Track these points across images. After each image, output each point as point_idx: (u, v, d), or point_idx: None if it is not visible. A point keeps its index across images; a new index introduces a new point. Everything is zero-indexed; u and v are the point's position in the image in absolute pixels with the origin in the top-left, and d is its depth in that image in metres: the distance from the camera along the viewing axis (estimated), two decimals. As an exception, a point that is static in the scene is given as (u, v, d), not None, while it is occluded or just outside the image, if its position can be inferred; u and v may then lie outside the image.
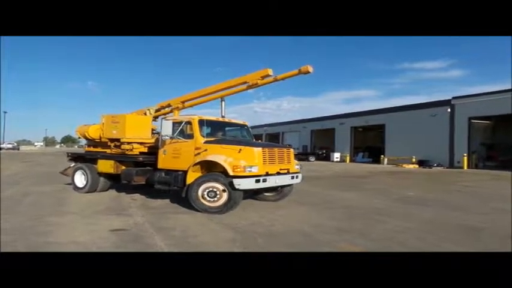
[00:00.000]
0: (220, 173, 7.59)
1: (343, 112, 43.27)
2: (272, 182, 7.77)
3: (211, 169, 7.92)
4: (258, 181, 7.42)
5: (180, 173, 8.21)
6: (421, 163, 28.84)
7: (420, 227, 6.60)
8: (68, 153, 11.89)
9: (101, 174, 10.12)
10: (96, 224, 6.35)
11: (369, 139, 41.81)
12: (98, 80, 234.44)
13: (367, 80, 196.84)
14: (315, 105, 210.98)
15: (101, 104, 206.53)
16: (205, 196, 7.53)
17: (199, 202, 7.54)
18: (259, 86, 9.36)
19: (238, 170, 7.35)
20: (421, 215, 7.72)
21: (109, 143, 10.01)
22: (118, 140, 9.70)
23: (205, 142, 8.11)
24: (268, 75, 9.03)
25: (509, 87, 25.06)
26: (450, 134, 28.31)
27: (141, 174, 9.13)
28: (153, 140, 10.06)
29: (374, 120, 36.60)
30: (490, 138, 29.28)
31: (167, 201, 9.02)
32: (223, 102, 9.95)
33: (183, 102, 10.60)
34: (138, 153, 9.77)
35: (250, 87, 9.45)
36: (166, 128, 8.34)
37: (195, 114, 8.70)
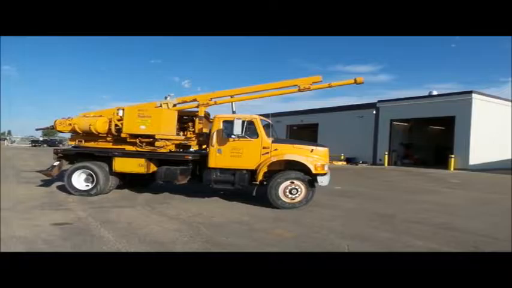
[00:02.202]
0: (298, 171, 8.13)
1: (279, 110, 44.44)
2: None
3: (279, 168, 8.38)
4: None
5: (245, 171, 8.36)
6: (349, 160, 31.23)
7: (344, 214, 7.63)
8: (57, 149, 10.07)
9: (116, 173, 9.16)
10: (36, 219, 6.25)
11: (304, 137, 43.78)
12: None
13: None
14: (250, 102, 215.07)
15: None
16: (287, 193, 7.99)
17: (281, 200, 7.99)
18: (310, 90, 9.56)
19: (319, 168, 7.97)
20: (345, 205, 8.80)
21: (129, 139, 9.05)
22: (148, 136, 8.91)
23: (273, 142, 8.44)
24: (319, 81, 9.36)
25: (426, 94, 28.83)
26: (374, 134, 31.07)
27: (184, 174, 8.69)
28: (182, 138, 9.50)
29: (308, 119, 38.44)
30: (408, 139, 32.63)
31: (105, 195, 9.08)
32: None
33: (212, 98, 9.83)
34: (168, 150, 9.17)
35: (300, 90, 9.47)
36: (238, 127, 8.02)
37: (252, 114, 8.71)
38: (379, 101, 31.48)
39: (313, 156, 8.29)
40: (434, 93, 29.17)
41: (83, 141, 9.59)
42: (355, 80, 9.40)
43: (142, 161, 8.82)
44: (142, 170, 8.83)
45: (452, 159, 24.04)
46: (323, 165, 8.08)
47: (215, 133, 8.53)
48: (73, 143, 9.84)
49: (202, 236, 5.54)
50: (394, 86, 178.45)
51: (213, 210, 7.61)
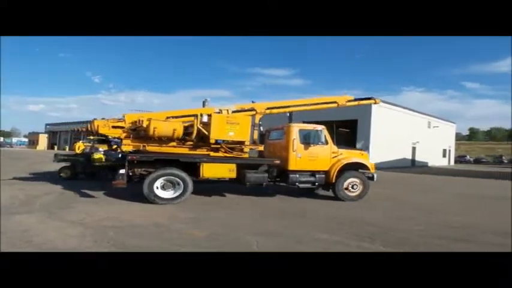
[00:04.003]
0: (355, 170, 10.08)
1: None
2: None
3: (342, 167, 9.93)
4: None
5: (322, 172, 9.86)
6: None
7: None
8: (132, 155, 8.67)
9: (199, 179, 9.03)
10: None
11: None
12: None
13: (222, 80, 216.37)
14: (172, 102, 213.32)
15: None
16: (349, 188, 9.88)
17: (345, 193, 9.88)
18: (345, 106, 12.03)
19: (373, 168, 10.35)
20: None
21: (214, 145, 9.17)
22: (237, 142, 9.29)
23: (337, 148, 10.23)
24: (351, 100, 11.77)
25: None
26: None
27: (268, 177, 9.53)
28: (260, 145, 10.40)
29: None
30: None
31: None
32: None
33: (268, 108, 10.82)
34: (248, 156, 9.76)
35: (338, 106, 11.77)
36: (315, 136, 9.90)
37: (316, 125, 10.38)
38: None
39: (366, 158, 10.63)
40: None
41: (146, 146, 9.19)
42: (375, 100, 12.42)
43: (232, 166, 9.09)
44: (232, 175, 9.11)
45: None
46: (373, 166, 10.35)
47: (294, 140, 9.76)
48: (129, 148, 9.22)
49: (109, 240, 5.13)
50: (307, 90, 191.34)
51: (124, 213, 7.14)
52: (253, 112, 10.30)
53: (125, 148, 9.28)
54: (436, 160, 42.70)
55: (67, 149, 54.08)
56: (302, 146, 9.75)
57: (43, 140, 75.13)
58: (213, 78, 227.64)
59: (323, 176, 9.84)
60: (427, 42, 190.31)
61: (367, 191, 10.07)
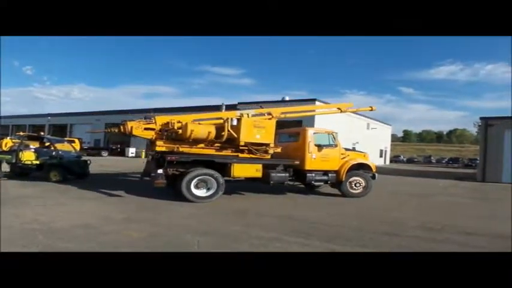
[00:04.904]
0: (360, 170, 11.20)
1: (143, 107, 42.20)
2: None
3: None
4: None
5: (333, 172, 10.83)
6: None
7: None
8: (171, 157, 9.04)
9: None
10: None
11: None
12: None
13: (167, 77, 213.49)
14: (112, 97, 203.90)
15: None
16: (353, 186, 10.95)
17: (349, 191, 10.95)
18: (346, 112, 13.52)
19: (375, 168, 11.55)
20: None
21: (242, 147, 9.82)
22: (263, 144, 9.97)
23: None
24: (352, 106, 13.44)
25: (280, 99, 33.49)
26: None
27: (289, 176, 10.41)
28: (279, 148, 10.64)
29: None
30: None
31: None
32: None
33: (283, 113, 11.66)
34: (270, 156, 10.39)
35: (341, 111, 13.01)
36: (327, 138, 10.97)
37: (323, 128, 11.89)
38: (239, 103, 33.08)
39: (369, 159, 11.86)
40: (287, 98, 33.57)
41: (179, 147, 9.54)
42: (371, 107, 13.70)
43: (259, 166, 9.82)
44: (258, 174, 9.82)
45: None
46: (375, 166, 11.66)
47: (310, 143, 10.69)
48: (162, 149, 9.57)
49: (39, 244, 4.80)
50: (255, 90, 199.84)
51: (58, 215, 6.79)
52: (270, 116, 10.95)
53: (158, 149, 9.63)
54: (374, 160, 45.02)
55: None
56: (316, 148, 10.69)
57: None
58: (157, 74, 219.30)
59: (334, 175, 10.83)
60: (368, 46, 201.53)
61: (370, 189, 11.10)
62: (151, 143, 10.16)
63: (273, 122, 10.46)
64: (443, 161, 67.48)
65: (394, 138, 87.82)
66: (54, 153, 12.85)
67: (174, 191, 9.33)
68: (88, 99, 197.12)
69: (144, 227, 6.10)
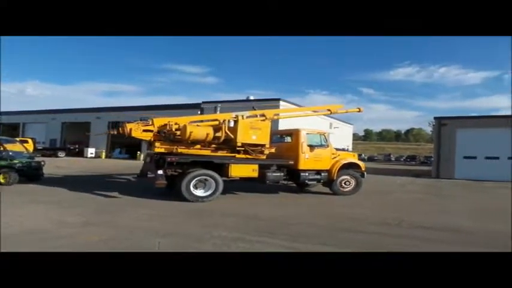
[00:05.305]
0: (350, 169, 11.60)
1: (102, 105, 41.86)
2: None
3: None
4: None
5: (325, 171, 11.17)
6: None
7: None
8: (171, 157, 9.24)
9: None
10: None
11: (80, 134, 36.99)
12: None
13: (128, 74, 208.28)
14: (69, 95, 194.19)
15: None
16: (343, 184, 11.38)
17: (339, 189, 11.39)
18: (337, 113, 14.17)
19: (364, 167, 12.05)
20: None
21: (238, 148, 9.98)
22: (259, 145, 10.17)
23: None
24: (342, 107, 13.84)
25: (245, 98, 33.85)
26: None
27: (283, 175, 10.66)
28: (273, 148, 10.74)
29: (138, 116, 36.11)
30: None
31: None
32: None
33: (276, 114, 12.02)
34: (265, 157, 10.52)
35: (331, 113, 13.59)
36: (319, 139, 11.33)
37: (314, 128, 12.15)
38: (203, 102, 32.92)
39: (357, 159, 12.44)
40: (251, 97, 34.08)
41: (178, 148, 9.65)
42: (359, 109, 13.89)
43: (255, 166, 10.06)
44: (255, 174, 10.05)
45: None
46: (364, 165, 12.18)
47: (303, 143, 10.92)
48: (161, 150, 9.73)
49: None
50: (219, 89, 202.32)
51: (14, 219, 6.46)
52: (263, 118, 11.17)
53: (157, 150, 9.77)
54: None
55: None
56: (308, 148, 10.97)
57: None
58: (118, 72, 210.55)
59: (326, 174, 11.20)
60: (331, 46, 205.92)
61: (359, 187, 11.60)
62: (149, 144, 10.33)
63: (268, 123, 10.73)
64: (402, 159, 70.75)
65: (355, 137, 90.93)
66: (3, 154, 12.01)
67: (174, 191, 9.44)
68: (44, 96, 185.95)
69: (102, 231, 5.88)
